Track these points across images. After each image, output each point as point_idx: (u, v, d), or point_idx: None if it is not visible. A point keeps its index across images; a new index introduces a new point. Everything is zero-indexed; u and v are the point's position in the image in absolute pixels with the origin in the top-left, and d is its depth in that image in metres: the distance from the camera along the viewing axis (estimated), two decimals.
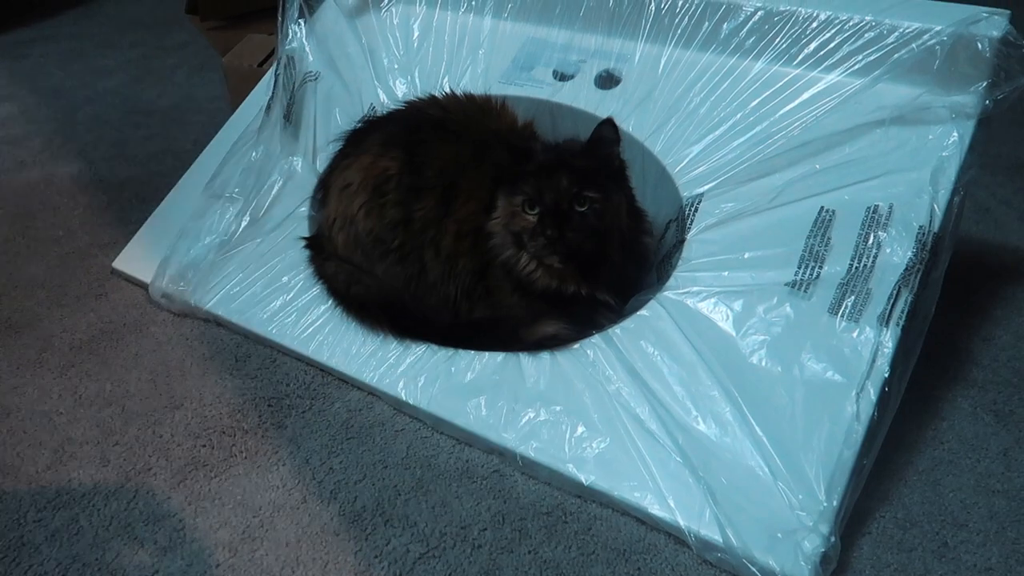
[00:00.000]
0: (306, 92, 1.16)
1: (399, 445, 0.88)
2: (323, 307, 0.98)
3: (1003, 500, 0.81)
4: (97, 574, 0.75)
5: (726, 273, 0.86)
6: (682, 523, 0.75)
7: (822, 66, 0.91)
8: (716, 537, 0.73)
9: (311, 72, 1.16)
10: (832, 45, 0.90)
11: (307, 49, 1.18)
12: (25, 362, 1.00)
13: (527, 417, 0.84)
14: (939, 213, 0.82)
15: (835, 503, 0.72)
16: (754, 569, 0.71)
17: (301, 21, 1.17)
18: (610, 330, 0.87)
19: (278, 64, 1.16)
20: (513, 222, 0.88)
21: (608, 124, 0.86)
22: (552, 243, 0.84)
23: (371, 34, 1.16)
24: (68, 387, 0.96)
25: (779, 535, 0.72)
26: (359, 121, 1.09)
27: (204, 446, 0.88)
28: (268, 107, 1.14)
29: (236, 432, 0.89)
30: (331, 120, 1.12)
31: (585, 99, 1.03)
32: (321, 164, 1.09)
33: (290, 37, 1.16)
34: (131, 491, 0.83)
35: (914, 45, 0.85)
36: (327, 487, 0.83)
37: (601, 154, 0.87)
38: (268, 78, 1.18)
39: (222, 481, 0.84)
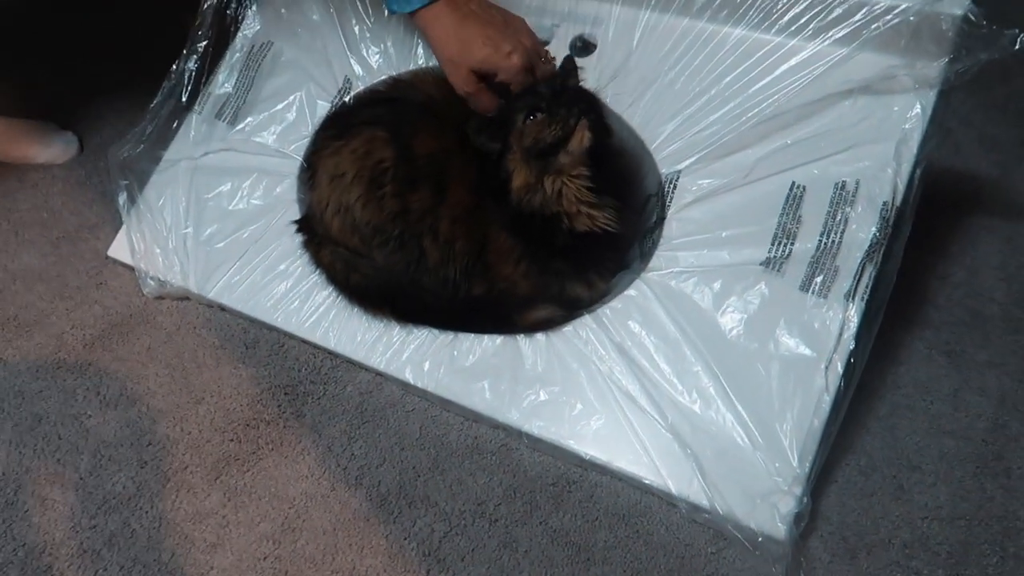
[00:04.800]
0: (262, 64, 1.14)
1: (412, 426, 0.96)
2: (325, 293, 1.02)
3: (951, 440, 0.92)
4: (157, 574, 0.85)
5: (706, 251, 0.92)
6: (673, 490, 0.85)
7: (797, 38, 0.93)
8: (703, 502, 0.84)
9: (263, 43, 1.14)
10: (803, 21, 0.92)
11: (253, 14, 1.15)
12: (44, 364, 1.04)
13: (529, 398, 0.92)
14: (901, 187, 0.88)
15: (806, 468, 0.82)
16: (736, 532, 0.82)
17: None
18: (599, 310, 0.93)
19: (201, 25, 1.12)
20: (525, 138, 0.88)
21: (569, 59, 0.95)
22: (572, 103, 0.87)
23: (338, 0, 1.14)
24: (91, 388, 1.01)
25: (758, 499, 0.82)
26: (336, 97, 1.10)
27: (231, 440, 0.95)
28: (200, 77, 1.12)
29: (259, 424, 0.97)
30: (304, 94, 1.12)
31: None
32: (296, 141, 1.10)
33: (228, 1, 1.13)
34: (172, 491, 0.91)
35: (881, 23, 0.88)
36: (352, 473, 0.92)
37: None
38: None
39: (255, 475, 0.92)
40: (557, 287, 0.96)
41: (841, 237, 0.88)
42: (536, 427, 0.91)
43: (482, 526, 0.87)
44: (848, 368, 0.85)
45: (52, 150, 1.33)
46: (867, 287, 0.86)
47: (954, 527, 0.85)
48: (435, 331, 0.97)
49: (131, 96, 1.21)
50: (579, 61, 1.03)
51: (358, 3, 1.12)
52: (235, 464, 0.93)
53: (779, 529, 0.81)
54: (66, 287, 1.14)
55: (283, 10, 1.16)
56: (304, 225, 1.06)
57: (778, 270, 0.89)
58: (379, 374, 1.00)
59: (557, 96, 0.89)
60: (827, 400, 0.84)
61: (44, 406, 1.00)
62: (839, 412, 0.85)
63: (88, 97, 1.41)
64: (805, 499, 0.82)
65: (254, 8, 1.17)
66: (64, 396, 1.01)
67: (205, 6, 1.13)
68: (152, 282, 1.09)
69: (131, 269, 1.12)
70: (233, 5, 1.16)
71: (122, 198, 1.12)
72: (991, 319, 1.02)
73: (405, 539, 0.86)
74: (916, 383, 0.97)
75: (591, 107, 0.90)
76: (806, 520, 0.83)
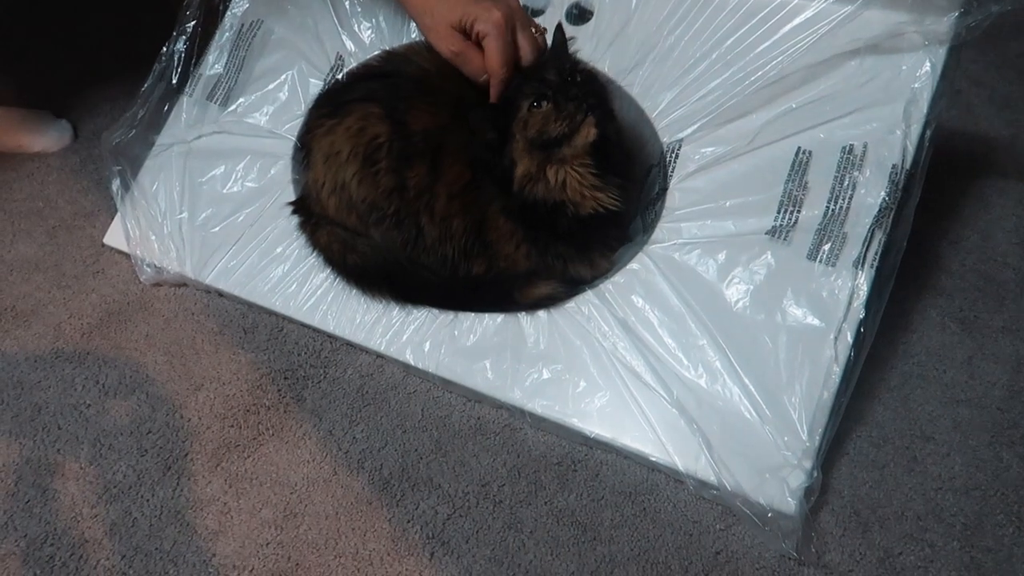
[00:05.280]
0: (252, 43, 1.12)
1: (414, 408, 0.94)
2: (323, 275, 1.01)
3: (966, 409, 0.90)
4: (159, 563, 0.84)
5: (709, 222, 0.90)
6: (680, 467, 0.83)
7: None
8: (711, 478, 0.82)
9: (253, 21, 1.12)
10: None
11: None
12: (42, 354, 1.03)
13: (531, 376, 0.90)
14: (911, 149, 0.85)
15: (816, 441, 0.80)
16: (745, 508, 0.80)
17: None
18: (602, 285, 0.91)
19: (189, 6, 1.09)
20: (529, 129, 0.86)
21: (559, 29, 0.90)
22: (581, 99, 0.84)
23: None
24: (90, 377, 1.00)
25: (767, 474, 0.81)
26: (329, 75, 1.07)
27: (232, 427, 0.94)
28: (190, 59, 1.10)
29: (259, 409, 0.95)
30: (295, 72, 1.09)
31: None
32: (289, 121, 1.08)
33: None
34: (173, 478, 0.90)
35: None
36: (353, 457, 0.90)
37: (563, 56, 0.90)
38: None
39: (255, 461, 0.91)
40: (560, 268, 0.94)
41: (849, 203, 0.85)
42: (539, 406, 0.89)
43: (486, 507, 0.85)
44: (858, 338, 0.82)
45: (46, 139, 1.31)
46: (877, 254, 0.84)
47: (969, 498, 0.83)
48: (435, 311, 0.96)
49: (124, 81, 1.19)
50: (575, 29, 1.01)
51: None
52: (236, 450, 0.92)
53: (789, 504, 0.79)
54: (63, 276, 1.12)
55: None
56: (300, 206, 1.04)
57: (784, 239, 0.86)
58: (379, 356, 0.98)
59: (565, 85, 0.85)
60: (837, 371, 0.82)
61: (43, 396, 0.99)
62: (849, 383, 0.83)
63: (81, 84, 1.40)
64: (815, 472, 0.80)
65: None
66: (63, 386, 1.00)
67: None
68: (149, 269, 1.08)
69: (127, 256, 1.11)
70: None
71: (116, 184, 1.10)
72: (1005, 284, 0.99)
73: (408, 522, 0.85)
74: (929, 351, 0.94)
75: (599, 99, 0.86)
76: (816, 494, 0.81)
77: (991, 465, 0.85)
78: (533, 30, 0.91)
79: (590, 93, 0.86)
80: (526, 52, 0.89)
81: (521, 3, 0.95)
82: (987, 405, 0.90)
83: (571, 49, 0.92)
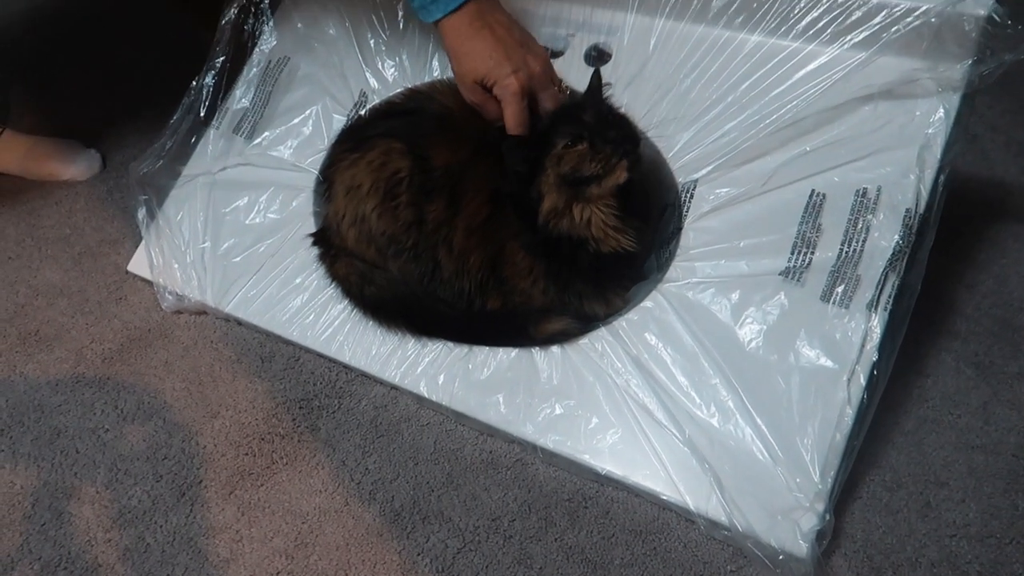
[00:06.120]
0: (279, 79, 1.15)
1: (426, 440, 0.95)
2: (340, 306, 1.02)
3: (981, 455, 0.89)
4: None
5: (723, 262, 0.90)
6: (691, 506, 0.83)
7: (815, 43, 0.91)
8: (722, 518, 0.82)
9: (280, 58, 1.15)
10: (820, 25, 0.90)
11: (270, 30, 1.16)
12: (64, 378, 1.05)
13: (544, 412, 0.90)
14: (924, 194, 0.86)
15: (829, 483, 0.80)
16: (756, 549, 0.80)
17: (265, 1, 1.15)
18: (616, 322, 0.92)
19: (219, 41, 1.13)
20: (563, 165, 0.88)
21: (596, 74, 0.93)
22: (618, 142, 0.86)
23: (353, 13, 1.14)
24: (109, 402, 1.02)
25: (779, 516, 0.80)
26: (352, 111, 1.10)
27: (247, 455, 0.95)
28: (218, 92, 1.13)
29: (274, 438, 0.96)
30: (320, 108, 1.12)
31: (576, 77, 1.03)
32: (312, 155, 1.10)
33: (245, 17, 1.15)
34: (187, 505, 0.91)
35: (901, 25, 0.86)
36: (365, 488, 0.91)
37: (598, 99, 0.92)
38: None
39: (268, 489, 0.92)
40: (576, 304, 0.95)
41: (863, 246, 0.86)
42: (551, 441, 0.89)
43: (496, 542, 0.85)
44: (871, 380, 0.82)
45: (76, 167, 1.35)
46: (890, 297, 0.84)
47: (984, 545, 0.82)
48: (449, 344, 0.96)
49: (153, 114, 1.22)
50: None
51: (373, 17, 1.12)
52: (249, 478, 0.93)
53: (801, 547, 0.79)
54: (87, 302, 1.15)
55: (299, 25, 1.17)
56: (320, 238, 1.06)
57: (798, 280, 0.87)
58: (394, 387, 0.99)
59: (602, 127, 0.88)
60: (849, 413, 0.82)
61: (63, 420, 1.00)
62: (862, 426, 0.82)
63: (112, 116, 1.44)
64: (828, 516, 0.79)
65: (271, 23, 1.18)
66: (82, 410, 1.01)
67: (223, 22, 1.14)
68: (170, 296, 1.10)
69: (150, 284, 1.13)
70: (251, 21, 1.17)
71: (141, 213, 1.13)
72: (1020, 330, 0.99)
73: (418, 555, 0.85)
74: (944, 396, 0.94)
75: (633, 144, 0.88)
76: (829, 537, 0.80)
77: (1007, 513, 0.84)
78: (556, 88, 0.94)
79: (626, 138, 0.88)
80: (547, 113, 0.93)
81: (543, 46, 0.97)
82: (1002, 452, 0.89)
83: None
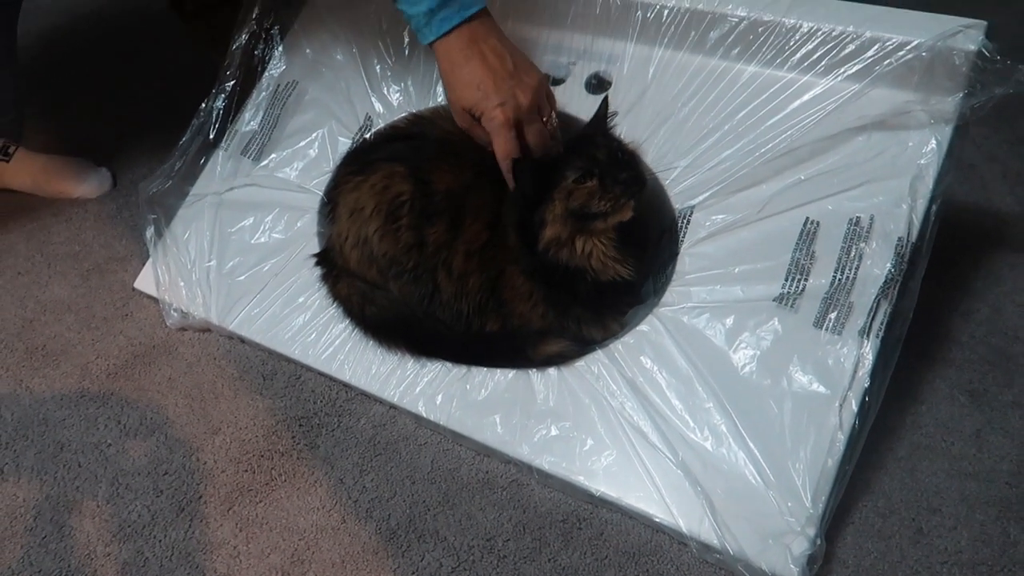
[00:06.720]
0: (287, 103, 1.18)
1: (424, 459, 0.96)
2: (342, 325, 1.04)
3: (973, 483, 0.89)
4: None
5: (718, 287, 0.92)
6: (684, 529, 0.84)
7: (809, 74, 0.93)
8: (714, 541, 0.82)
9: (288, 82, 1.18)
10: (815, 57, 0.92)
11: (279, 55, 1.19)
12: (68, 393, 1.07)
13: (540, 433, 0.91)
14: (917, 223, 0.87)
15: (820, 508, 0.81)
16: (748, 573, 0.80)
17: (275, 27, 1.18)
18: (612, 345, 0.93)
19: (230, 65, 1.16)
20: (572, 200, 0.90)
21: (604, 101, 0.96)
22: (628, 184, 0.89)
23: (361, 40, 1.17)
24: (112, 417, 1.03)
25: (770, 540, 0.81)
26: (357, 134, 1.12)
27: (246, 471, 0.96)
28: (228, 115, 1.16)
29: (273, 455, 0.98)
30: (326, 131, 1.15)
31: (577, 104, 1.06)
32: (317, 177, 1.12)
33: (256, 43, 1.17)
34: (186, 520, 0.92)
35: (893, 59, 0.88)
36: (362, 506, 0.92)
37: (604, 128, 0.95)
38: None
39: (267, 506, 0.93)
40: (574, 329, 0.96)
41: (855, 273, 0.87)
42: (547, 462, 0.90)
43: (490, 562, 0.86)
44: (863, 406, 0.83)
45: (87, 185, 1.37)
46: (882, 324, 0.85)
47: (975, 573, 0.83)
48: (448, 364, 0.98)
49: (163, 134, 1.25)
50: (594, 99, 1.05)
51: (380, 44, 1.15)
52: (248, 495, 0.94)
53: (792, 571, 0.79)
54: (93, 318, 1.17)
55: (308, 51, 1.20)
56: (323, 259, 1.08)
57: (791, 306, 0.88)
58: (393, 407, 1.00)
59: (613, 167, 0.90)
60: (841, 439, 0.82)
61: (67, 434, 1.02)
62: (854, 451, 0.83)
63: (123, 136, 1.47)
64: (819, 540, 0.80)
65: (280, 49, 1.20)
66: (86, 425, 1.03)
67: (234, 47, 1.17)
68: (175, 314, 1.12)
69: (156, 301, 1.15)
70: (261, 46, 1.20)
71: (149, 232, 1.15)
72: (1015, 358, 1.00)
73: (413, 573, 0.86)
74: (937, 423, 0.95)
75: (641, 185, 0.90)
76: (820, 562, 0.81)
77: (998, 540, 0.85)
78: (544, 119, 0.95)
79: (635, 179, 0.90)
80: (535, 145, 0.94)
81: (544, 73, 0.99)
82: (995, 479, 0.89)
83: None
